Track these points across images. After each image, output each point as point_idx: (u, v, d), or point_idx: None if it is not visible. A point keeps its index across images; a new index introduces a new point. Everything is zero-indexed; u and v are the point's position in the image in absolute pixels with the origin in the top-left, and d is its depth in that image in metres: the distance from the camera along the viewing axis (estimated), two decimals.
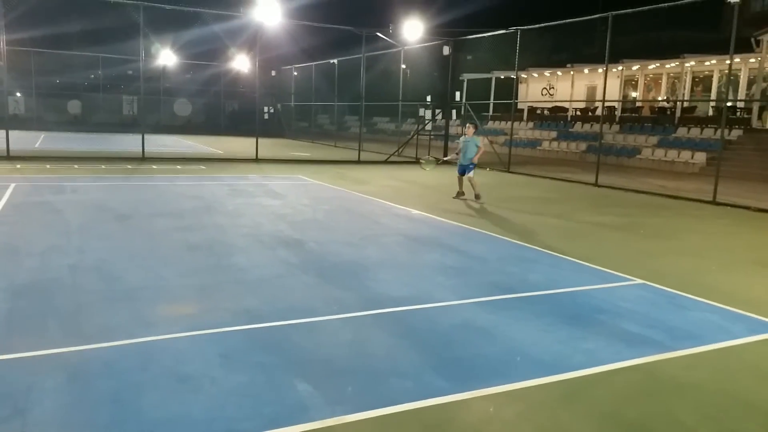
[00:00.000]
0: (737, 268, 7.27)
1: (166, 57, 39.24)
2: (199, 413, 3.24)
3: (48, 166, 15.51)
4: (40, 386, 3.47)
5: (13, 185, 11.51)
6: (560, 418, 3.38)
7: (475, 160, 11.88)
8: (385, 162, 21.71)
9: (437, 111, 23.74)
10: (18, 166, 15.38)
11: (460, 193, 12.17)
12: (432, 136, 23.79)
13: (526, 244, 8.01)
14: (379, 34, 23.12)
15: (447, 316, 4.99)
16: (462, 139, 12.17)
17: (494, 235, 8.62)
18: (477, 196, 11.73)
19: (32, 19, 35.33)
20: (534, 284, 6.13)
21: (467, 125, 12.39)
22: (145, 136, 19.11)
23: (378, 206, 10.97)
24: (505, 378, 3.84)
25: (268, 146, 24.70)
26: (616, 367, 4.10)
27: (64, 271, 5.84)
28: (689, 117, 25.26)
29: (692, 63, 26.10)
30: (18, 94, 40.06)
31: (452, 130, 24.93)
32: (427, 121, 23.63)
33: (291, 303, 5.18)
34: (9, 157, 16.74)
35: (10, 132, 17.50)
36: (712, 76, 26.24)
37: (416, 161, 22.15)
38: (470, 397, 3.56)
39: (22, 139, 22.82)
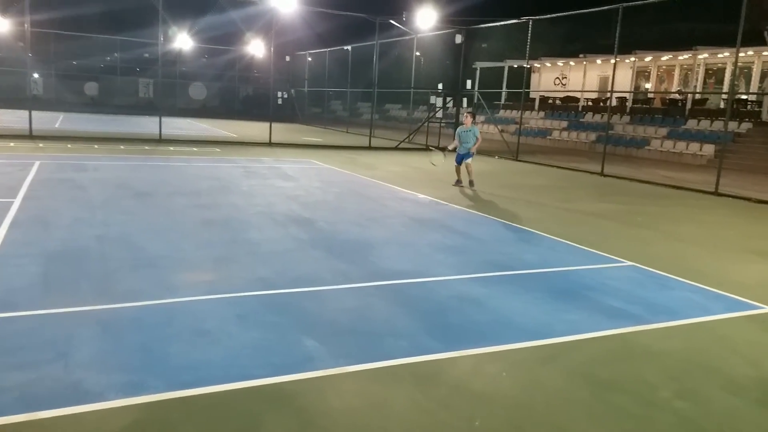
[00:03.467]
0: (727, 255, 7.60)
1: (183, 41, 39.72)
2: (218, 361, 3.69)
3: (69, 146, 16.05)
4: (78, 336, 3.94)
5: (38, 163, 12.04)
6: (537, 375, 3.79)
7: (473, 151, 12.21)
8: (396, 148, 22.06)
9: (448, 99, 24.01)
10: (41, 145, 15.93)
11: (458, 182, 12.38)
12: (443, 124, 24.08)
13: (525, 228, 8.39)
14: (392, 21, 23.38)
15: (443, 289, 5.40)
16: (459, 129, 12.48)
17: (496, 219, 9.00)
18: (471, 183, 12.17)
19: (51, 0, 35.85)
20: (528, 263, 6.53)
21: (465, 115, 12.58)
22: (162, 119, 19.59)
23: (386, 190, 11.38)
24: (490, 341, 4.25)
25: (281, 131, 25.13)
26: (594, 336, 4.50)
27: (91, 241, 6.31)
28: (700, 109, 25.33)
29: (705, 55, 26.11)
30: (36, 75, 40.77)
31: (463, 118, 25.20)
32: (438, 109, 23.91)
33: (300, 273, 5.62)
34: (32, 136, 17.31)
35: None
36: (725, 69, 26.23)
37: (426, 148, 22.50)
38: (458, 356, 3.98)
39: (43, 120, 23.40)
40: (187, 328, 4.17)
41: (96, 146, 16.43)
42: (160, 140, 18.80)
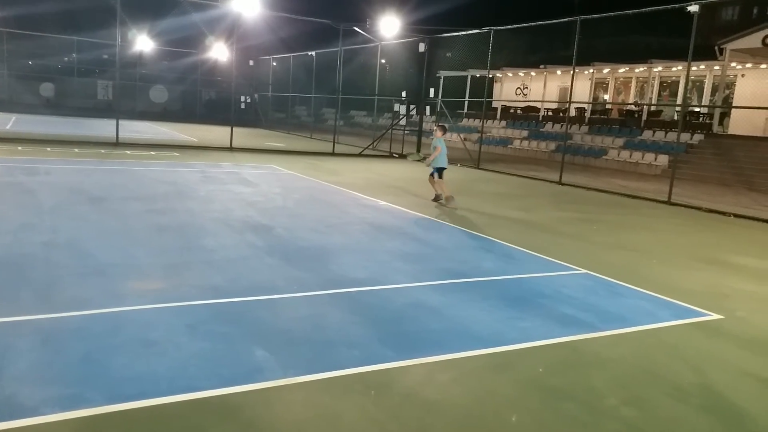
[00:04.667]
0: (676, 263, 7.81)
1: (144, 43, 38.95)
2: (163, 373, 3.58)
3: (20, 148, 15.51)
4: (15, 347, 3.76)
5: None
6: (488, 383, 3.80)
7: (428, 162, 11.33)
8: (359, 155, 22.04)
9: (412, 107, 24.16)
10: None
11: (437, 197, 11.34)
12: (406, 132, 24.19)
13: (483, 236, 8.45)
14: (356, 28, 23.40)
15: (400, 297, 5.38)
16: (433, 142, 11.45)
17: (455, 226, 9.05)
18: (447, 199, 11.02)
19: None
20: (485, 271, 6.57)
21: (435, 128, 11.67)
22: (121, 122, 19.10)
23: (347, 196, 11.33)
24: (444, 349, 4.24)
25: (244, 135, 24.84)
26: (546, 343, 4.54)
27: (37, 248, 6.08)
28: (655, 120, 26.09)
29: (660, 68, 26.92)
30: None
31: (426, 126, 25.37)
32: (401, 117, 24.02)
33: (255, 282, 5.52)
34: None
35: None
36: (678, 82, 27.11)
37: (389, 155, 22.56)
38: (410, 364, 3.96)
39: None
40: (133, 338, 4.04)
41: (49, 149, 15.92)
42: (117, 144, 18.34)
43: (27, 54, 41.71)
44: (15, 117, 28.72)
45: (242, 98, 36.39)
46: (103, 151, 16.47)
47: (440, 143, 11.28)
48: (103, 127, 23.34)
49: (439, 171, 11.26)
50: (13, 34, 37.51)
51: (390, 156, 22.56)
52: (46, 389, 3.27)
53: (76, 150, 16.29)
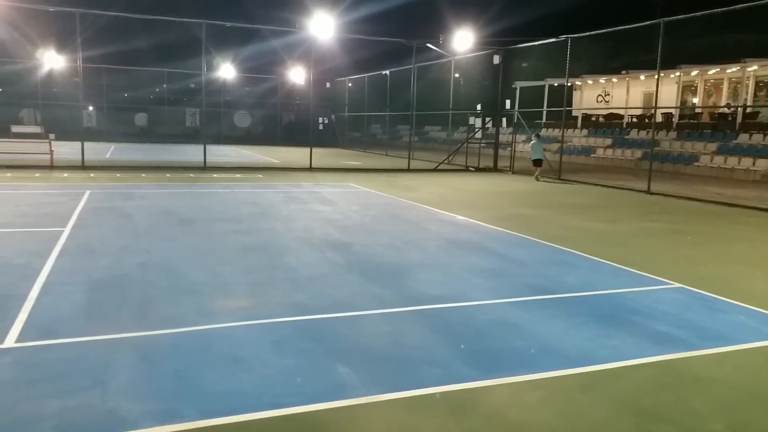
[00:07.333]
0: None
1: (226, 71, 40.96)
2: (250, 389, 3.68)
3: (118, 175, 16.64)
4: (116, 363, 4.00)
5: (88, 192, 12.51)
6: (578, 404, 3.64)
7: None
8: (435, 170, 22.01)
9: (487, 119, 23.90)
10: (92, 174, 16.57)
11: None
12: (482, 145, 23.93)
13: (567, 249, 8.17)
14: (429, 45, 23.52)
15: (481, 314, 5.29)
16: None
17: (536, 240, 8.81)
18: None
19: (103, 37, 37.65)
20: (570, 286, 6.33)
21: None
22: (207, 147, 20.10)
23: (424, 212, 11.32)
24: (530, 369, 4.11)
25: (322, 156, 25.47)
26: (639, 363, 4.30)
27: (134, 268, 6.46)
28: (751, 123, 24.42)
29: (755, 67, 25.24)
30: (90, 108, 42.73)
31: (502, 138, 25.00)
32: (477, 130, 23.81)
33: (336, 299, 5.60)
34: (84, 166, 18.04)
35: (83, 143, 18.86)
36: None
37: (465, 169, 22.39)
38: (495, 384, 3.86)
39: (94, 150, 24.39)
40: (222, 354, 4.19)
41: (143, 175, 16.98)
42: (205, 168, 19.29)
43: (122, 87, 45.00)
44: (113, 146, 30.88)
45: (320, 119, 37.43)
46: (192, 175, 17.37)
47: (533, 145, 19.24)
48: (192, 152, 24.63)
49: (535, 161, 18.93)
50: (110, 70, 40.58)
51: (466, 170, 22.39)
52: (144, 404, 3.44)
53: (168, 175, 17.27)
